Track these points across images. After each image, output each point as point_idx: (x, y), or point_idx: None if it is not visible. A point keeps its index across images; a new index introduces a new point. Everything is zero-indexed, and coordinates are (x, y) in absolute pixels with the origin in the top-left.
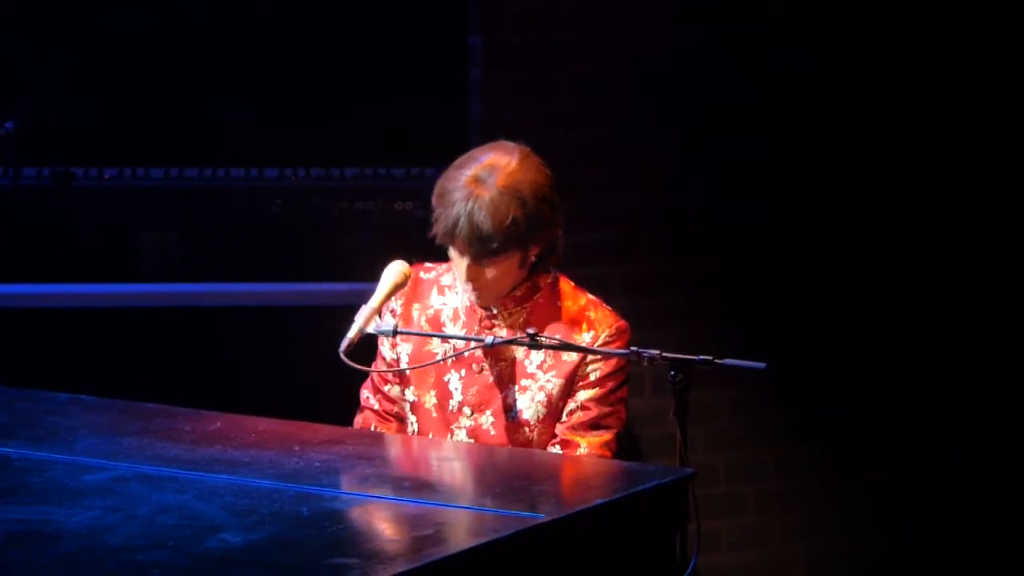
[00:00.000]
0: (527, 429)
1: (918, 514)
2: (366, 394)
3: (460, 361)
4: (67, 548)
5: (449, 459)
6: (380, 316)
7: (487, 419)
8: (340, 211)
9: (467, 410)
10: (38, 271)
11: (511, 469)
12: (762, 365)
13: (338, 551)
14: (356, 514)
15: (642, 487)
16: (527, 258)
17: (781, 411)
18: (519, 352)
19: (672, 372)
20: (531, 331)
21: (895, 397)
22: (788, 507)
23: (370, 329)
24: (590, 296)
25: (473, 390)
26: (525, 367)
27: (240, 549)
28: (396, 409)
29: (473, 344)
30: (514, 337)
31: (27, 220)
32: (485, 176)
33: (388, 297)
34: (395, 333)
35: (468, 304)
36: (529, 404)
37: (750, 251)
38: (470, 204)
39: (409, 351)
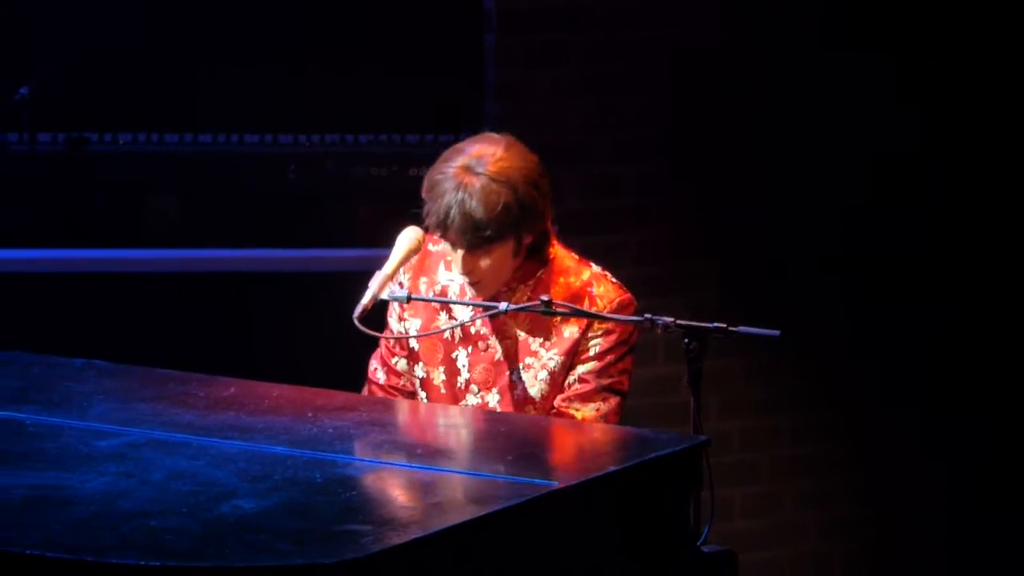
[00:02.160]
0: (532, 407)
1: (932, 480)
2: (374, 365)
3: (467, 338)
4: (80, 513)
5: (462, 426)
6: (394, 282)
7: (493, 397)
8: (355, 177)
9: (474, 387)
10: (54, 236)
11: (524, 436)
12: (776, 333)
13: (351, 517)
14: (369, 481)
15: (656, 454)
16: (521, 246)
17: (794, 378)
18: (522, 330)
19: (686, 340)
20: (544, 298)
21: (910, 363)
22: (801, 474)
23: (384, 295)
24: (594, 269)
25: (479, 368)
26: (528, 345)
27: (253, 515)
28: (402, 383)
29: (489, 312)
30: (529, 304)
31: (42, 186)
32: (474, 165)
33: (402, 263)
34: (409, 299)
35: (465, 282)
36: (533, 382)
37: (762, 217)
38: (460, 193)
39: (418, 326)
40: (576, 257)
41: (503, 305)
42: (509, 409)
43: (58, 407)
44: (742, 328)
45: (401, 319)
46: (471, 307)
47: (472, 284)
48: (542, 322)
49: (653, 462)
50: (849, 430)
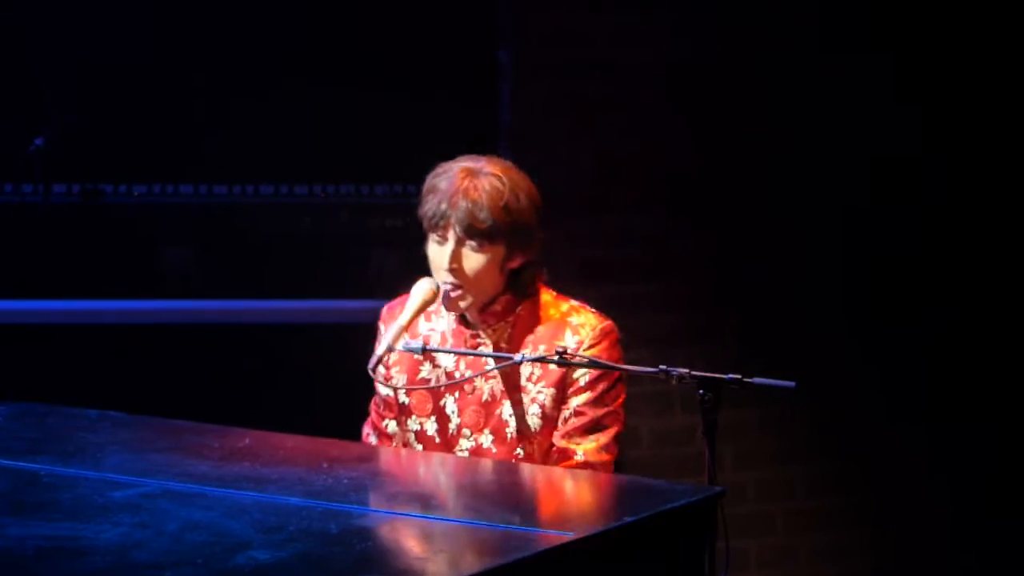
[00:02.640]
0: (527, 443)
1: (950, 533)
2: (367, 431)
3: (453, 385)
4: (95, 564)
5: (477, 476)
6: (409, 333)
7: (486, 438)
8: (369, 228)
9: (466, 431)
10: (68, 287)
11: (539, 486)
12: (792, 384)
13: (366, 568)
14: (385, 531)
15: (671, 505)
16: (507, 262)
17: (810, 429)
18: (507, 368)
19: (701, 391)
20: (560, 349)
21: (927, 413)
22: (816, 526)
23: (399, 346)
24: (573, 302)
25: (469, 411)
26: (516, 382)
27: (268, 566)
28: (394, 445)
29: (504, 364)
30: (545, 355)
31: (57, 236)
32: (478, 167)
33: (417, 314)
34: (424, 351)
35: (454, 327)
36: (524, 418)
37: (779, 267)
38: (466, 183)
39: (404, 381)
40: (555, 293)
41: (518, 356)
42: (503, 448)
43: (73, 457)
44: (758, 379)
45: (388, 378)
46: (486, 357)
47: (452, 288)
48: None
49: (668, 513)
50: (864, 481)
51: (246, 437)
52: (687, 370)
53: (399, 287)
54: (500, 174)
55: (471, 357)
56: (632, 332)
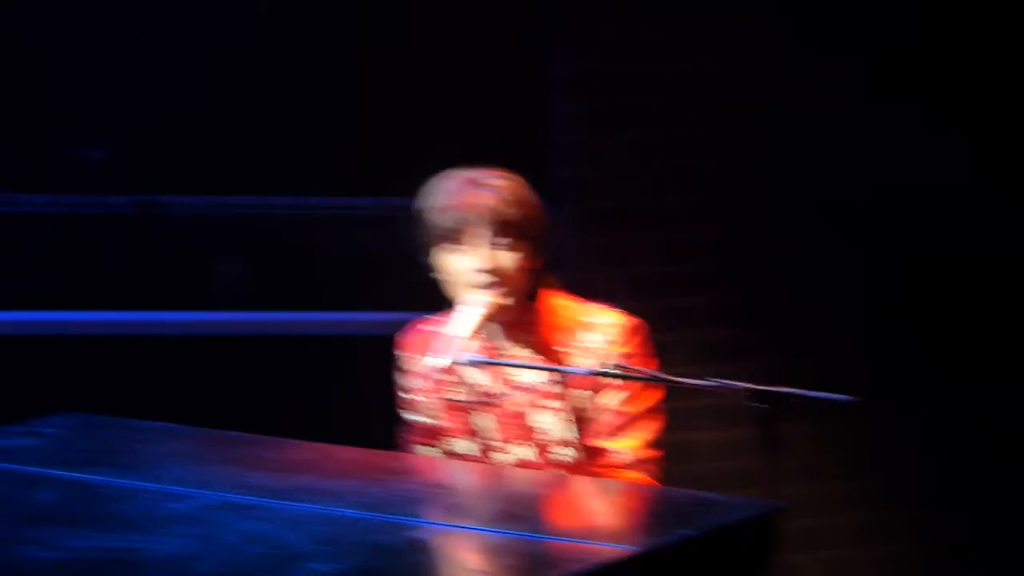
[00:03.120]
0: (564, 448)
1: (1008, 546)
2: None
3: (483, 400)
4: None
5: (534, 488)
6: (468, 347)
7: (524, 450)
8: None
9: (502, 444)
10: (124, 299)
11: (597, 499)
12: (849, 398)
13: None
14: (441, 544)
15: (731, 519)
16: (533, 261)
17: (868, 443)
18: (534, 376)
19: (759, 404)
20: (613, 362)
21: (989, 427)
22: (876, 539)
23: (463, 360)
24: (596, 305)
25: (504, 425)
26: (547, 389)
27: None
28: None
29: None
30: (602, 369)
31: (113, 248)
32: (478, 175)
33: (477, 328)
34: (487, 363)
35: (485, 344)
36: (559, 424)
37: (834, 280)
38: (480, 188)
39: (436, 405)
40: (573, 296)
41: (580, 368)
42: (543, 456)
43: (131, 469)
44: (815, 393)
45: (411, 404)
46: (542, 370)
47: (493, 287)
48: (551, 362)
49: (729, 528)
50: (923, 494)
51: (303, 449)
52: (744, 384)
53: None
54: (505, 175)
55: (502, 371)
56: (686, 346)
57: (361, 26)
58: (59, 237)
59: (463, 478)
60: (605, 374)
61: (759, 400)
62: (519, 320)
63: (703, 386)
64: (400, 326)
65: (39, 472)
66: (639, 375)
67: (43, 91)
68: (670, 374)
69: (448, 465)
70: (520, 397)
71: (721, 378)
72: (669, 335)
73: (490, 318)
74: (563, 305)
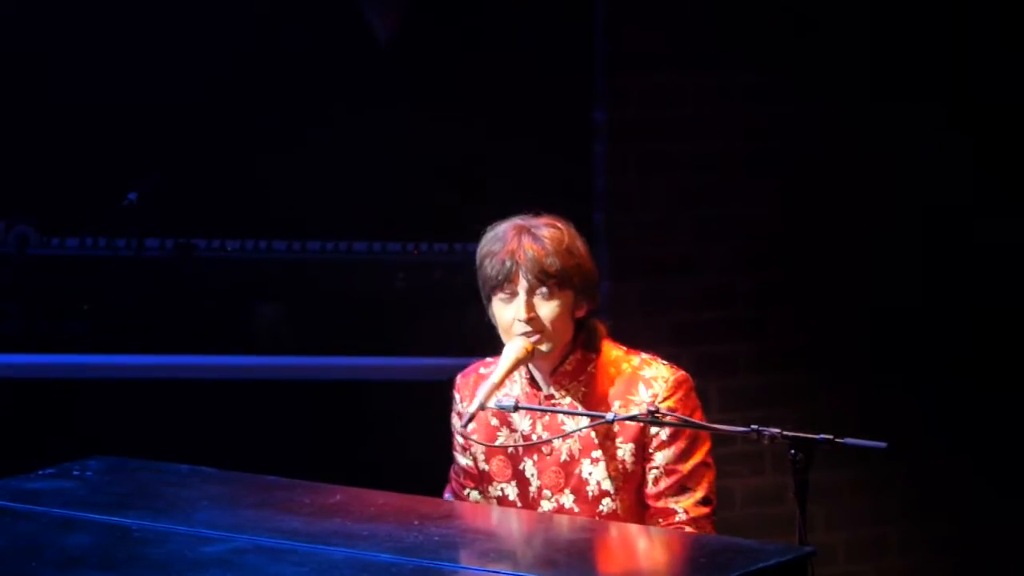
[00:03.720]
0: (608, 500)
1: None
2: (447, 496)
3: (530, 447)
4: None
5: (568, 535)
6: (500, 391)
7: (567, 498)
8: (462, 285)
9: (547, 493)
10: (160, 342)
11: (631, 546)
12: (883, 444)
13: None
14: None
15: (762, 564)
16: (576, 309)
17: (902, 489)
18: (580, 426)
19: (792, 451)
20: (651, 407)
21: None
22: None
23: (491, 404)
24: (644, 355)
25: (549, 473)
26: (592, 439)
27: None
28: None
29: (596, 423)
30: (636, 414)
31: (149, 291)
32: (529, 223)
33: (510, 372)
34: (516, 408)
35: (528, 391)
36: (604, 475)
37: (874, 327)
38: (526, 238)
39: (483, 449)
40: (624, 348)
41: (609, 415)
42: (585, 507)
43: (164, 513)
44: (849, 440)
45: (466, 448)
46: (576, 416)
47: (530, 330)
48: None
49: (759, 573)
50: (959, 542)
51: (337, 493)
52: (779, 430)
53: (486, 346)
54: (555, 223)
55: (547, 419)
56: (724, 392)
57: (413, 83)
58: (96, 280)
59: (499, 523)
60: (635, 419)
61: (793, 447)
62: (574, 371)
63: (739, 432)
64: (438, 371)
65: (72, 515)
66: (671, 422)
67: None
68: (706, 420)
69: (484, 510)
70: (567, 446)
71: (758, 424)
72: (704, 381)
73: (521, 365)
74: (615, 357)
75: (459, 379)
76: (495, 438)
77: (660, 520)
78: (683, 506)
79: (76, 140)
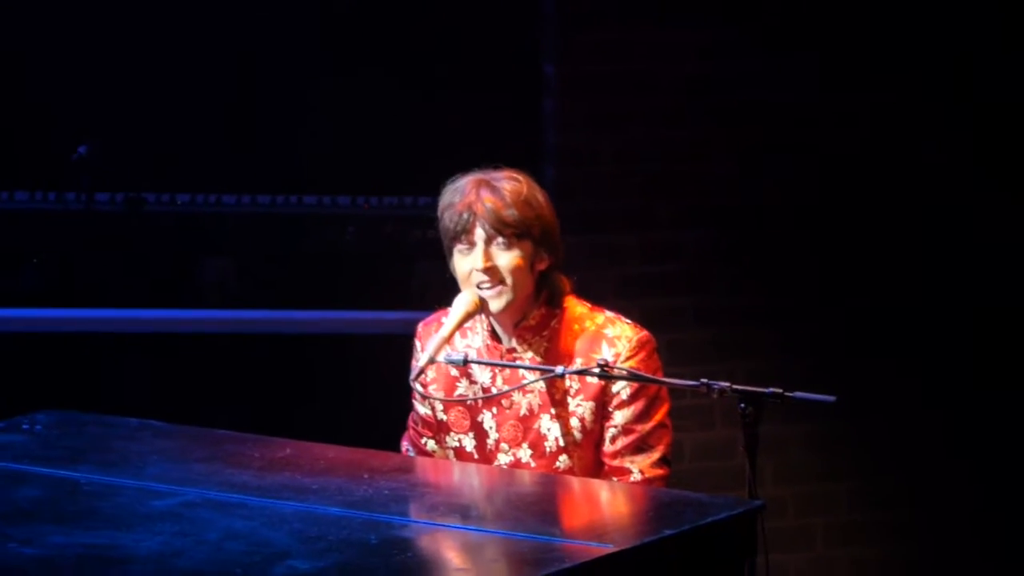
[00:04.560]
0: (565, 456)
1: (993, 550)
2: (405, 446)
3: (490, 400)
4: (136, 573)
5: (517, 488)
6: (450, 345)
7: (524, 452)
8: (412, 239)
9: (504, 446)
10: (109, 296)
11: (579, 499)
12: (831, 398)
13: None
14: (424, 542)
15: (711, 519)
16: (536, 261)
17: (852, 444)
18: (540, 381)
19: (742, 404)
20: (601, 362)
21: (972, 430)
22: (858, 541)
23: (440, 358)
24: (608, 313)
25: (507, 426)
26: (553, 395)
27: None
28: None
29: (545, 376)
30: (585, 368)
31: (99, 245)
32: (490, 176)
33: (459, 326)
34: (466, 362)
35: (488, 343)
36: (564, 431)
37: (822, 283)
38: (484, 190)
39: (442, 397)
40: (589, 304)
41: (559, 368)
42: (542, 461)
43: (114, 466)
44: (798, 393)
45: (425, 397)
46: (527, 370)
47: (490, 286)
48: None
49: (708, 527)
50: (906, 496)
51: (286, 447)
52: (728, 384)
53: (442, 299)
54: (515, 176)
55: (507, 372)
56: (674, 346)
57: (359, 29)
58: (46, 234)
59: (447, 477)
60: (584, 372)
61: (743, 400)
62: (537, 325)
63: (689, 386)
64: (389, 325)
65: (22, 469)
66: (620, 376)
67: (26, 87)
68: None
69: (434, 464)
70: (527, 401)
71: (707, 379)
72: (657, 335)
73: (471, 318)
74: (579, 315)
75: (420, 328)
76: (454, 389)
77: (615, 479)
78: (639, 466)
79: (25, 93)
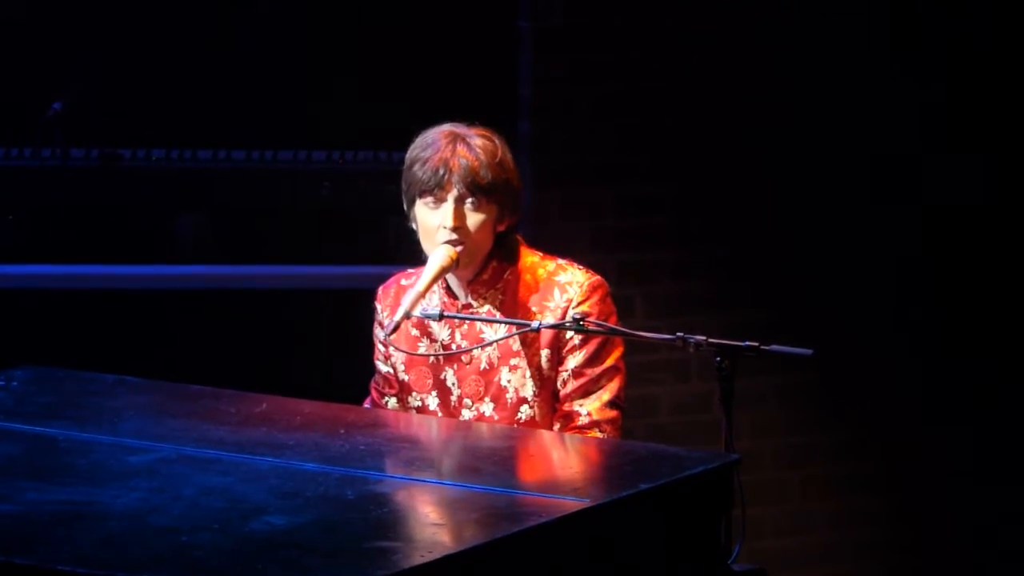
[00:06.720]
0: (526, 406)
1: (967, 502)
2: (368, 407)
3: (451, 357)
4: (112, 529)
5: (494, 442)
6: (426, 300)
7: (487, 406)
8: (388, 195)
9: (467, 402)
10: (86, 251)
11: (555, 453)
12: (809, 352)
13: (382, 534)
14: (401, 498)
15: (687, 472)
16: (498, 223)
17: (829, 397)
18: (498, 334)
19: (718, 358)
20: (577, 315)
21: (948, 382)
22: (834, 493)
23: (416, 312)
24: (560, 260)
25: (469, 381)
26: (510, 346)
27: (284, 531)
28: None
29: (521, 331)
30: (561, 322)
31: (75, 201)
32: (462, 131)
33: (435, 281)
34: (441, 317)
35: (446, 300)
36: (523, 381)
37: (799, 235)
38: (460, 146)
39: (403, 359)
40: (540, 253)
41: (535, 323)
42: (504, 413)
43: (90, 423)
44: (775, 347)
45: (387, 357)
46: (502, 324)
47: (455, 240)
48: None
49: (684, 480)
50: (883, 450)
51: (263, 402)
52: (704, 337)
53: (417, 254)
54: (487, 134)
55: (465, 327)
56: (648, 300)
57: None
58: (21, 190)
59: (424, 432)
60: (560, 327)
61: (719, 354)
62: (491, 279)
63: (664, 340)
64: (364, 279)
65: None
66: (597, 330)
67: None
68: (630, 328)
69: (409, 419)
70: (486, 355)
71: (683, 332)
72: (629, 289)
73: (446, 273)
74: (531, 264)
75: (380, 290)
76: (416, 348)
77: (564, 422)
78: (588, 408)
79: None
